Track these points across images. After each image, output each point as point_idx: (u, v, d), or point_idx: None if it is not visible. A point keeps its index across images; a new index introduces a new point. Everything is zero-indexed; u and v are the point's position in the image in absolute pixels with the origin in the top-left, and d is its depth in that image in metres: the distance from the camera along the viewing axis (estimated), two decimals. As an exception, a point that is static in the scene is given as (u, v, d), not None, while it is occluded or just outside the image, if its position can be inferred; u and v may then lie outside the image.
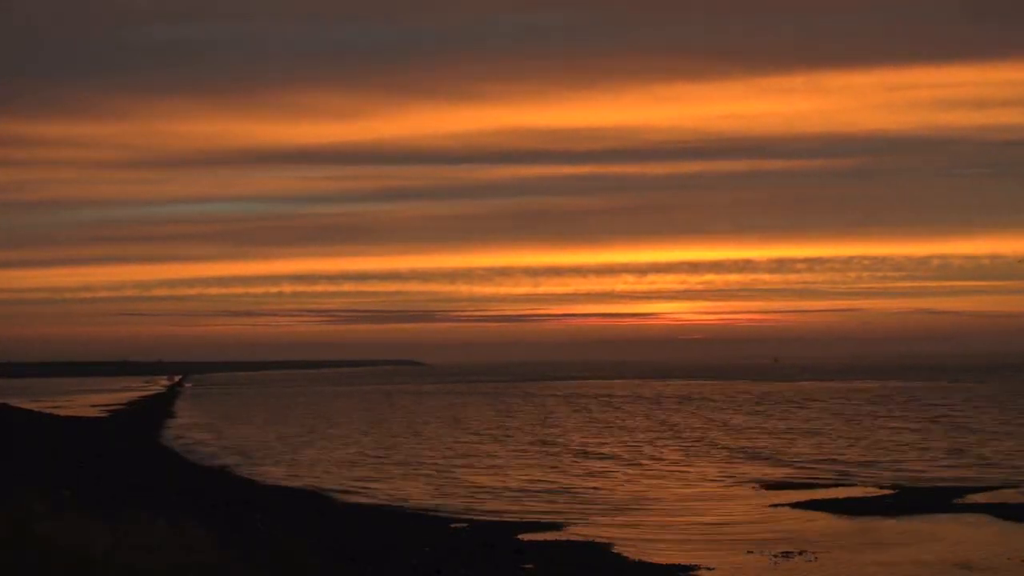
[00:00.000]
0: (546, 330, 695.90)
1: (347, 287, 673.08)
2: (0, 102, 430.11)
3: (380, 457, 60.01)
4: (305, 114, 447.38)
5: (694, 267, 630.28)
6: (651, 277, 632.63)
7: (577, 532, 33.04)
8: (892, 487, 42.71)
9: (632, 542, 30.91)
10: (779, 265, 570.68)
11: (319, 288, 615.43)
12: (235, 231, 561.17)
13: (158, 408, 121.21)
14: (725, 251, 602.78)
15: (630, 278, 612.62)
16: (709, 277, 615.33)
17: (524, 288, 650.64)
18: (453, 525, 34.46)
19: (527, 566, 26.86)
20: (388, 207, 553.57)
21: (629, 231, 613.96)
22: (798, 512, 36.69)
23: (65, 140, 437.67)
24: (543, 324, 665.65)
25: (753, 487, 43.98)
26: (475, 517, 36.41)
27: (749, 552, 29.13)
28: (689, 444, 65.18)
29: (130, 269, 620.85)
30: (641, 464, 53.90)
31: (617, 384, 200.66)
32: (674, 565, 27.54)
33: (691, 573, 26.67)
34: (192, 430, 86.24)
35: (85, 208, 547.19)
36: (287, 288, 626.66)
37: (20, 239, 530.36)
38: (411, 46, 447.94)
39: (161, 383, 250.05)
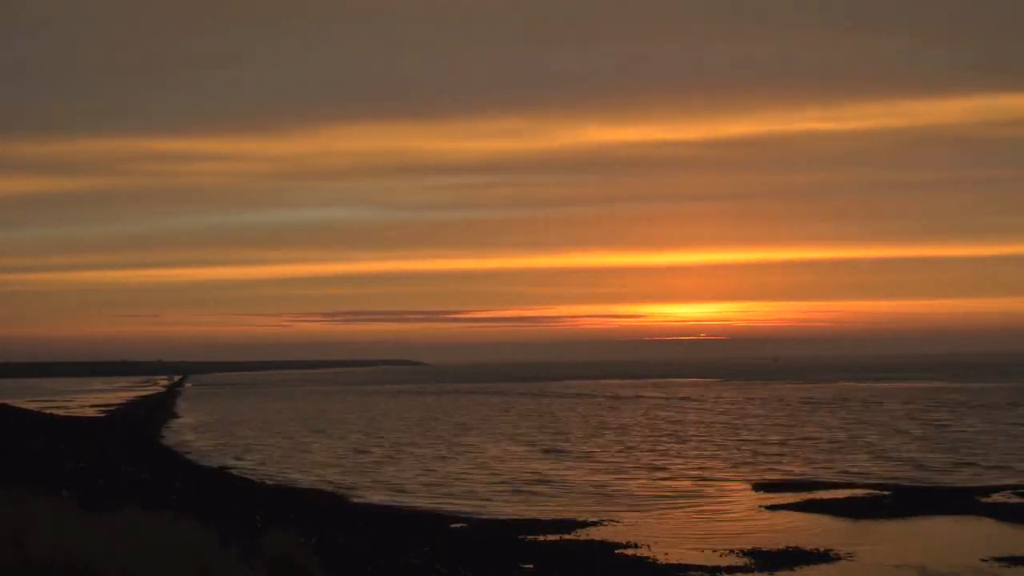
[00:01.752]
0: (581, 329, 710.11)
1: (404, 288, 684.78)
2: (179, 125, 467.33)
3: (373, 459, 60.07)
4: (471, 132, 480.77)
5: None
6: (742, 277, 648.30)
7: (576, 532, 33.05)
8: (891, 488, 42.67)
9: (631, 542, 30.89)
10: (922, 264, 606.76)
11: (367, 290, 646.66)
12: (336, 235, 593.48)
13: (159, 408, 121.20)
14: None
15: (689, 278, 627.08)
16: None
17: (580, 288, 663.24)
18: (453, 525, 34.47)
19: (527, 566, 26.88)
20: (489, 214, 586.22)
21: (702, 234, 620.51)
22: (798, 513, 36.69)
23: (249, 155, 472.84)
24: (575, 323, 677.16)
25: (752, 487, 43.98)
26: (475, 516, 36.45)
27: (749, 552, 29.13)
28: (691, 445, 65.18)
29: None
30: (641, 465, 53.89)
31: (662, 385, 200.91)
32: (673, 565, 27.55)
33: (690, 573, 26.67)
34: (192, 430, 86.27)
35: (230, 213, 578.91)
36: (345, 290, 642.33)
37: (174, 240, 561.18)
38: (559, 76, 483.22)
39: (160, 383, 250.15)
